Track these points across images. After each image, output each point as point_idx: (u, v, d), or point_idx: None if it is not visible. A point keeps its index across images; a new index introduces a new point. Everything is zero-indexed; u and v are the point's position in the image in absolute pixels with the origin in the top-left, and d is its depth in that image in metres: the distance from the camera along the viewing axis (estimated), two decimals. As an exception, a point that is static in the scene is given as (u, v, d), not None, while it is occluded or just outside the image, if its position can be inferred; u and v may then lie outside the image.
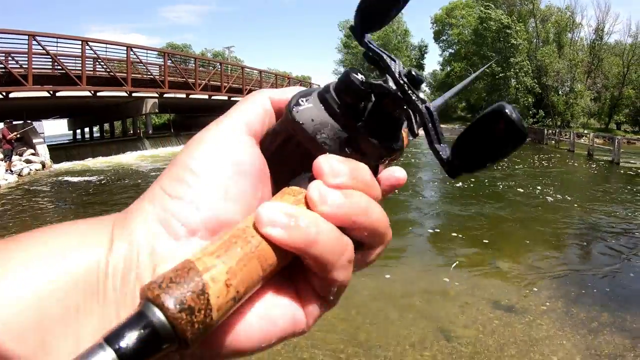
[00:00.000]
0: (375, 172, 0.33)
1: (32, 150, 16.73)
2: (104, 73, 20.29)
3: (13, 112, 18.31)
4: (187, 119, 36.27)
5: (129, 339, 0.22)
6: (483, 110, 0.27)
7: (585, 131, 29.13)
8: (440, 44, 48.24)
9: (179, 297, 0.23)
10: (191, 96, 25.94)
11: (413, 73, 0.31)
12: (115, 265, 0.27)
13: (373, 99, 0.32)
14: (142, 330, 0.22)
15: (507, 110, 0.26)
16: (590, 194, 10.93)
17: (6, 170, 14.10)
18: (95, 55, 19.68)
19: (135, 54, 21.70)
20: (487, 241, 6.53)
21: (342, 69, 47.66)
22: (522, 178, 13.23)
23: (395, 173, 0.36)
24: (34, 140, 17.03)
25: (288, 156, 0.34)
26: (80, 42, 18.55)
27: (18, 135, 15.75)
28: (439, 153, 0.30)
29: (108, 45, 20.87)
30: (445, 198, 10.49)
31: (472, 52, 38.53)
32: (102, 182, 13.30)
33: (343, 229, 0.29)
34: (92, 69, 19.92)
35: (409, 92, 0.31)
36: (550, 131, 28.87)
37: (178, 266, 0.25)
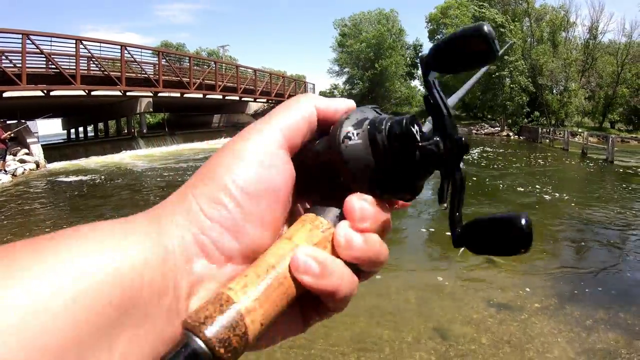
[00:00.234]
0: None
1: (26, 150, 16.60)
2: (98, 72, 20.21)
3: (7, 112, 18.23)
4: (181, 118, 36.19)
5: None
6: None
7: (580, 130, 29.26)
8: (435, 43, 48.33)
9: (220, 331, 0.26)
10: (185, 95, 25.88)
11: (464, 141, 0.32)
12: (151, 281, 0.27)
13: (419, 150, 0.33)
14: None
15: (524, 222, 0.29)
16: (585, 192, 10.98)
17: (0, 170, 14.03)
18: (90, 55, 19.60)
19: (129, 53, 21.60)
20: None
21: (336, 68, 47.86)
22: (519, 176, 13.26)
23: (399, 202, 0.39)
24: (28, 140, 16.91)
25: (321, 176, 0.36)
26: (74, 41, 18.49)
27: (12, 135, 15.66)
28: (454, 222, 0.33)
29: (102, 45, 20.73)
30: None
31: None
32: (97, 181, 13.25)
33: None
34: (86, 68, 19.81)
35: (456, 160, 0.33)
36: (544, 130, 28.94)
37: (218, 298, 0.28)
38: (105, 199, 10.41)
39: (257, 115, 38.65)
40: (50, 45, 18.05)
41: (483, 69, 0.56)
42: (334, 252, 0.33)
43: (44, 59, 17.61)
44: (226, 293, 0.28)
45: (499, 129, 36.50)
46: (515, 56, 35.34)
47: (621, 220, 7.88)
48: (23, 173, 15.10)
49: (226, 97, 30.32)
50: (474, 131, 36.93)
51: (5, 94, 16.23)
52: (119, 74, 20.62)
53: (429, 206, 8.37)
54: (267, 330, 0.29)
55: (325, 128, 0.37)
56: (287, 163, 0.33)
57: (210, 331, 0.26)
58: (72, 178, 13.96)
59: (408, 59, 49.49)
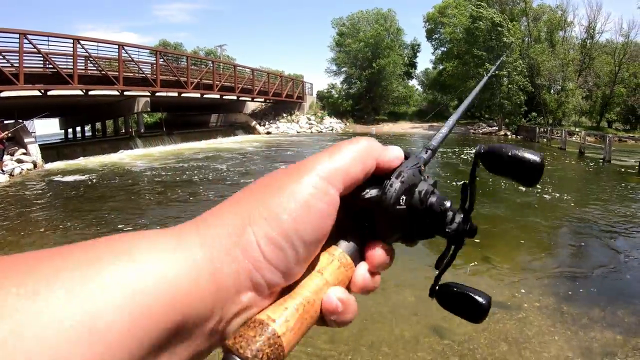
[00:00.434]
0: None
1: (23, 150, 16.53)
2: (96, 72, 20.19)
3: (4, 112, 18.16)
4: (179, 118, 36.15)
5: None
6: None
7: (577, 129, 29.29)
8: (433, 43, 48.34)
9: (260, 354, 0.29)
10: (183, 95, 25.88)
11: (474, 227, 0.42)
12: (202, 308, 0.29)
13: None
14: None
15: (485, 304, 0.40)
16: (583, 191, 11.03)
17: (-3, 170, 13.99)
18: (87, 54, 19.56)
19: (127, 53, 21.58)
20: (480, 238, 6.56)
21: (334, 67, 47.81)
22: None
23: None
24: (26, 140, 16.84)
25: (356, 216, 0.40)
26: (71, 41, 18.43)
27: (9, 135, 15.63)
28: (437, 280, 0.44)
29: (100, 44, 20.69)
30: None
31: (464, 50, 38.58)
32: (94, 181, 13.22)
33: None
34: (83, 67, 19.80)
35: (464, 240, 0.42)
36: (541, 129, 28.97)
37: (259, 323, 0.31)
38: (103, 199, 10.39)
39: (255, 114, 38.68)
40: (48, 45, 18.02)
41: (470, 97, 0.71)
42: (349, 286, 0.38)
43: (42, 58, 17.57)
44: (266, 321, 0.31)
45: (497, 128, 36.54)
46: (513, 56, 35.33)
47: (618, 220, 7.90)
48: (20, 173, 15.05)
49: (224, 97, 30.32)
50: (471, 130, 36.97)
51: (2, 94, 16.20)
52: (117, 73, 20.60)
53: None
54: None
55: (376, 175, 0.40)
56: (339, 209, 0.36)
57: (252, 354, 0.29)
58: (70, 178, 13.92)
59: (406, 58, 49.48)
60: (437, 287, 0.43)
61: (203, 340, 0.30)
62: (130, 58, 22.05)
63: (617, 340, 3.73)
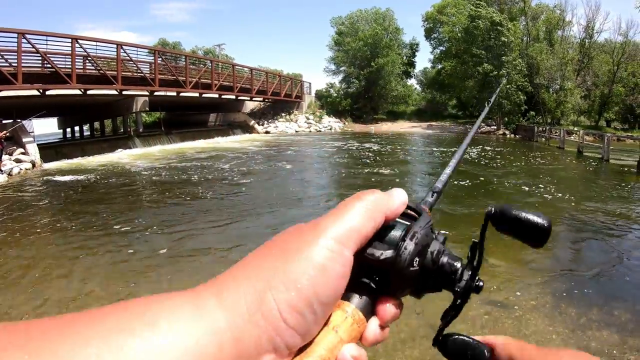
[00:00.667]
0: None
1: (22, 150, 16.53)
2: (94, 71, 20.17)
3: (2, 111, 18.16)
4: (177, 117, 36.18)
5: None
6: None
7: (576, 128, 29.33)
8: (431, 42, 48.38)
9: None
10: (182, 94, 25.86)
11: (481, 284, 0.44)
12: None
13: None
14: None
15: (487, 356, 0.44)
16: (581, 190, 11.03)
17: (-4, 170, 13.97)
18: (85, 53, 19.54)
19: (125, 52, 21.55)
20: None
21: (333, 67, 47.85)
22: (521, 176, 13.29)
23: None
24: (24, 139, 16.83)
25: (368, 272, 0.40)
26: (70, 40, 18.43)
27: (8, 134, 15.61)
28: (441, 330, 0.46)
29: (98, 43, 20.69)
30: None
31: (462, 49, 38.60)
32: (93, 181, 13.20)
33: None
34: (82, 67, 19.77)
35: (469, 296, 0.44)
36: (540, 128, 29.01)
37: None
38: (102, 199, 10.38)
39: (254, 114, 38.67)
40: (46, 44, 17.98)
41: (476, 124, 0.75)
42: (360, 339, 0.39)
43: (40, 58, 17.53)
44: None
45: (495, 127, 36.56)
46: (512, 55, 35.36)
47: (617, 220, 7.91)
48: (19, 172, 15.04)
49: (222, 96, 30.30)
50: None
51: (1, 93, 16.15)
52: (115, 73, 20.58)
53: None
54: None
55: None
56: (350, 264, 0.37)
57: None
58: (68, 177, 13.92)
59: (405, 57, 49.50)
60: (440, 338, 0.46)
61: None
62: (128, 57, 22.02)
63: (614, 340, 3.74)
